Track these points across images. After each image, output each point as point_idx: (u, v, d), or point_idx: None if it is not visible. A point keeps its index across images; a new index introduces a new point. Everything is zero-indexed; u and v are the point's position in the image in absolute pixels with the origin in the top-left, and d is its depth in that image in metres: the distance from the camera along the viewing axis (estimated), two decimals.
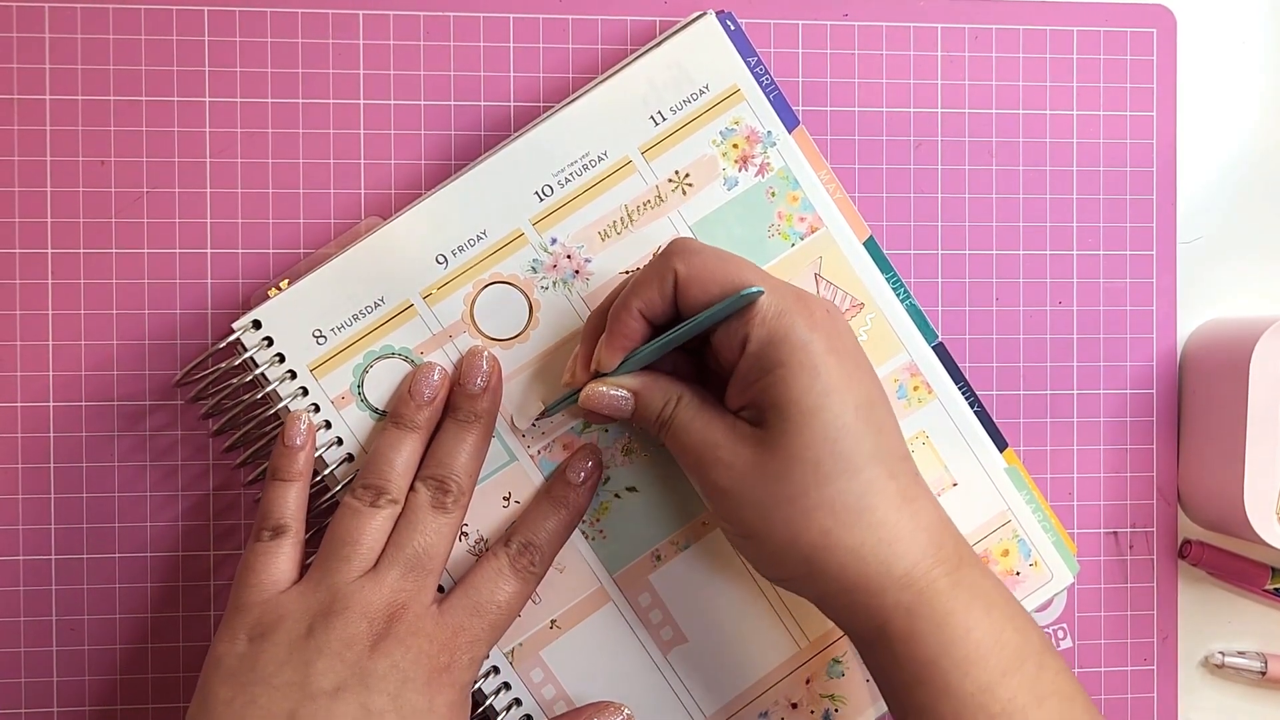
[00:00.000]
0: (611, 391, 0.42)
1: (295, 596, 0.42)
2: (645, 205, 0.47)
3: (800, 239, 0.47)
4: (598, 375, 0.43)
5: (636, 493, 0.47)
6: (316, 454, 0.45)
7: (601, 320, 0.43)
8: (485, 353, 0.45)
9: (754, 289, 0.38)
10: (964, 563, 0.40)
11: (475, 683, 0.45)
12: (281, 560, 0.43)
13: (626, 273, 0.47)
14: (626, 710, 0.45)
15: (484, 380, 0.45)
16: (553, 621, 0.47)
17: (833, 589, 0.39)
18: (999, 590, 0.40)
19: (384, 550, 0.43)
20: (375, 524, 0.43)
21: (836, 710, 0.48)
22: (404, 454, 0.44)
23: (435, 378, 0.45)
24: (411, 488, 0.44)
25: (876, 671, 0.40)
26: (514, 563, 0.44)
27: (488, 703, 0.46)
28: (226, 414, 0.46)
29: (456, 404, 0.45)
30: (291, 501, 0.44)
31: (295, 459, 0.44)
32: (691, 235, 0.47)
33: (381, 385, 0.46)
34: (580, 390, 0.43)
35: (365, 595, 0.41)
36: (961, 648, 0.38)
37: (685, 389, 0.42)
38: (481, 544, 0.46)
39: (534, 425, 0.46)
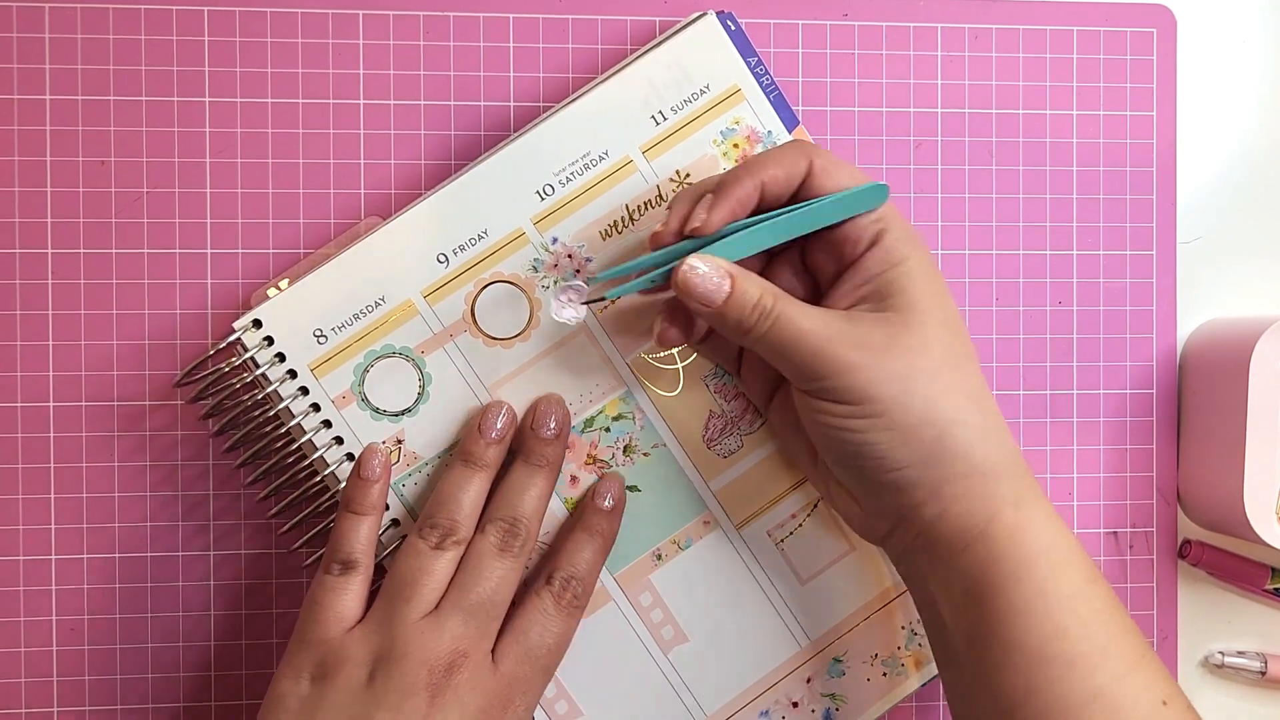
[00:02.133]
0: (710, 272, 0.40)
1: (358, 638, 0.42)
2: (646, 205, 0.47)
3: None
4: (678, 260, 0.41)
5: (637, 492, 0.47)
6: (316, 454, 0.45)
7: (699, 193, 0.41)
8: (558, 399, 0.46)
9: (884, 184, 0.41)
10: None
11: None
12: (348, 597, 0.43)
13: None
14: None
15: (556, 427, 0.45)
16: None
17: (955, 472, 0.39)
18: None
19: (447, 592, 0.43)
20: (439, 565, 0.43)
21: (837, 709, 0.48)
22: (471, 493, 0.44)
23: (504, 415, 0.45)
24: (478, 529, 0.44)
25: (964, 574, 0.40)
26: (558, 599, 0.44)
27: None
28: (227, 414, 0.46)
29: (528, 447, 0.45)
30: (363, 536, 0.44)
31: (369, 492, 0.44)
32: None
33: (382, 384, 0.46)
34: (650, 279, 0.42)
35: (425, 642, 0.41)
36: (1057, 551, 0.39)
37: (777, 289, 0.41)
38: None
39: (571, 298, 0.44)
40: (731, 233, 0.41)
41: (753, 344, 0.41)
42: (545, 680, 0.44)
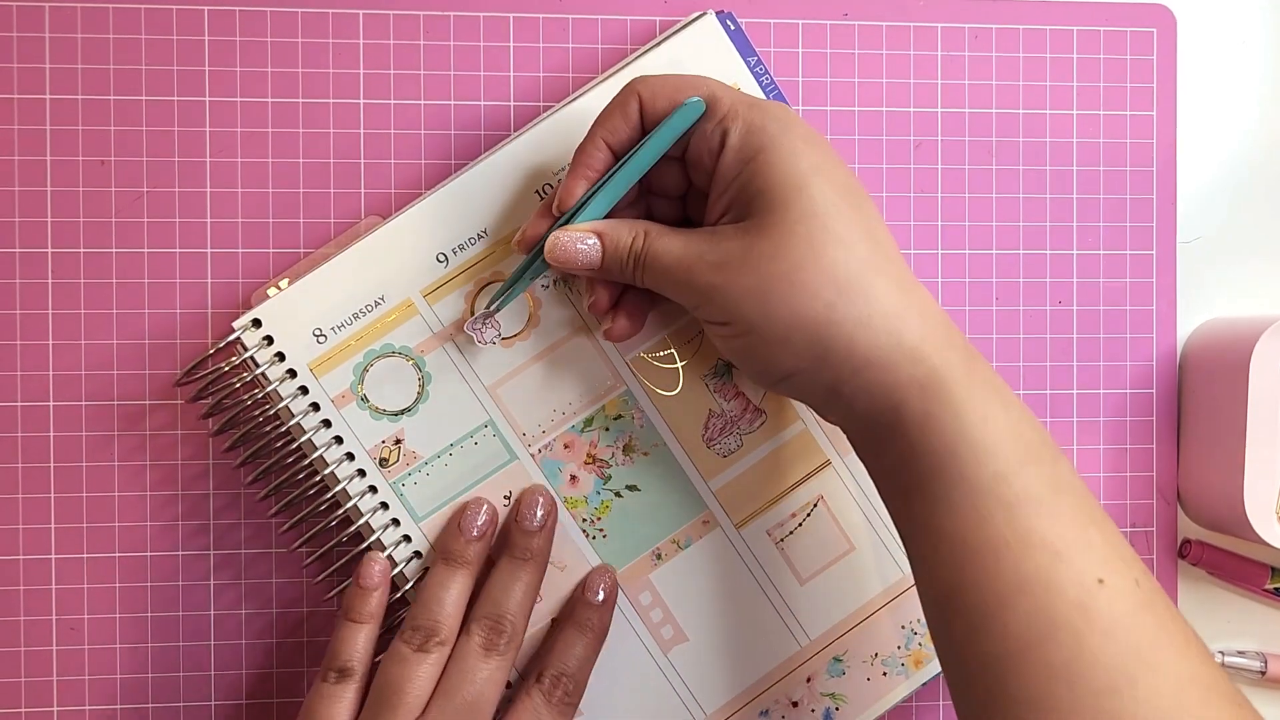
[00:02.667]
0: (575, 235, 0.41)
1: None
2: None
3: None
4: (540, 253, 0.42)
5: (637, 492, 0.47)
6: (316, 454, 0.45)
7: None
8: (543, 490, 0.46)
9: (695, 99, 0.39)
10: (975, 357, 0.38)
11: None
12: (343, 706, 0.43)
13: None
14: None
15: (541, 520, 0.45)
16: (554, 621, 0.47)
17: (845, 372, 0.38)
18: (1013, 393, 0.38)
19: (433, 697, 0.42)
20: (423, 670, 0.42)
21: (837, 709, 0.48)
22: (454, 592, 0.44)
23: (484, 513, 0.45)
24: (464, 628, 0.44)
25: (888, 471, 0.39)
26: (548, 698, 0.43)
27: None
28: (227, 414, 0.46)
29: (512, 541, 0.45)
30: (361, 645, 0.44)
31: (369, 600, 0.44)
32: None
33: (382, 384, 0.46)
34: (523, 276, 0.44)
35: None
36: (979, 434, 0.36)
37: (649, 224, 0.42)
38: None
39: (487, 323, 0.45)
40: (590, 198, 0.42)
41: (642, 284, 0.42)
42: None
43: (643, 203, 0.44)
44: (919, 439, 0.37)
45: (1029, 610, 0.35)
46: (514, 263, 0.46)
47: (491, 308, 0.45)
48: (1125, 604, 0.35)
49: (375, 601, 0.44)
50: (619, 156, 0.42)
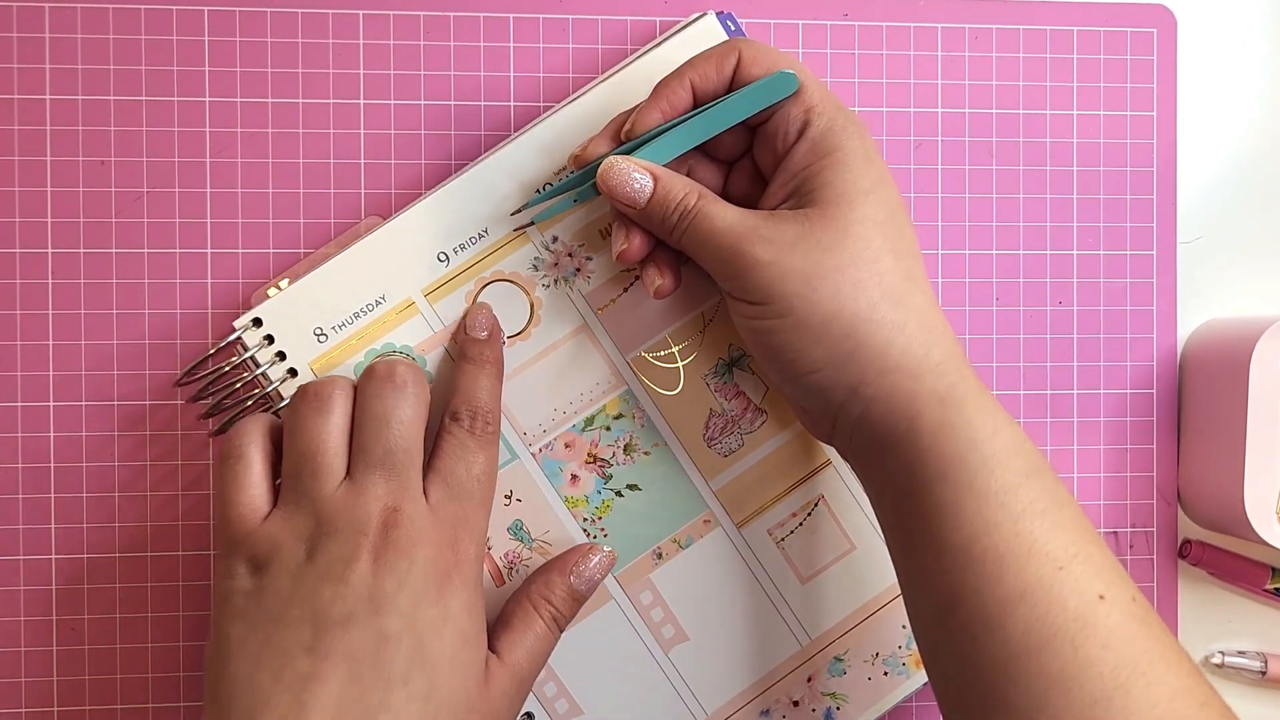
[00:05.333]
0: (632, 169, 0.41)
1: (282, 523, 0.40)
2: None
3: None
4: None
5: (638, 491, 0.47)
6: None
7: (626, 116, 0.43)
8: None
9: (790, 72, 0.40)
10: (980, 381, 0.40)
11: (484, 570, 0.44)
12: (261, 484, 0.41)
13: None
14: (606, 549, 0.46)
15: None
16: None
17: (872, 372, 0.39)
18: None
19: (353, 454, 0.41)
20: (332, 426, 0.41)
21: (838, 709, 0.48)
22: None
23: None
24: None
25: (894, 475, 0.39)
26: (472, 431, 0.43)
27: None
28: (227, 413, 0.46)
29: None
30: (264, 423, 0.43)
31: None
32: None
33: None
34: (578, 186, 0.44)
35: (352, 511, 0.39)
36: (989, 445, 0.38)
37: (704, 188, 0.42)
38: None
39: (527, 210, 0.46)
40: (653, 139, 0.42)
41: (677, 242, 0.42)
42: (485, 513, 0.43)
43: (687, 162, 0.44)
44: (930, 445, 0.38)
45: (1029, 618, 0.36)
46: (514, 262, 0.46)
47: (529, 214, 0.45)
48: (1122, 617, 0.36)
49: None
50: (698, 103, 0.42)
